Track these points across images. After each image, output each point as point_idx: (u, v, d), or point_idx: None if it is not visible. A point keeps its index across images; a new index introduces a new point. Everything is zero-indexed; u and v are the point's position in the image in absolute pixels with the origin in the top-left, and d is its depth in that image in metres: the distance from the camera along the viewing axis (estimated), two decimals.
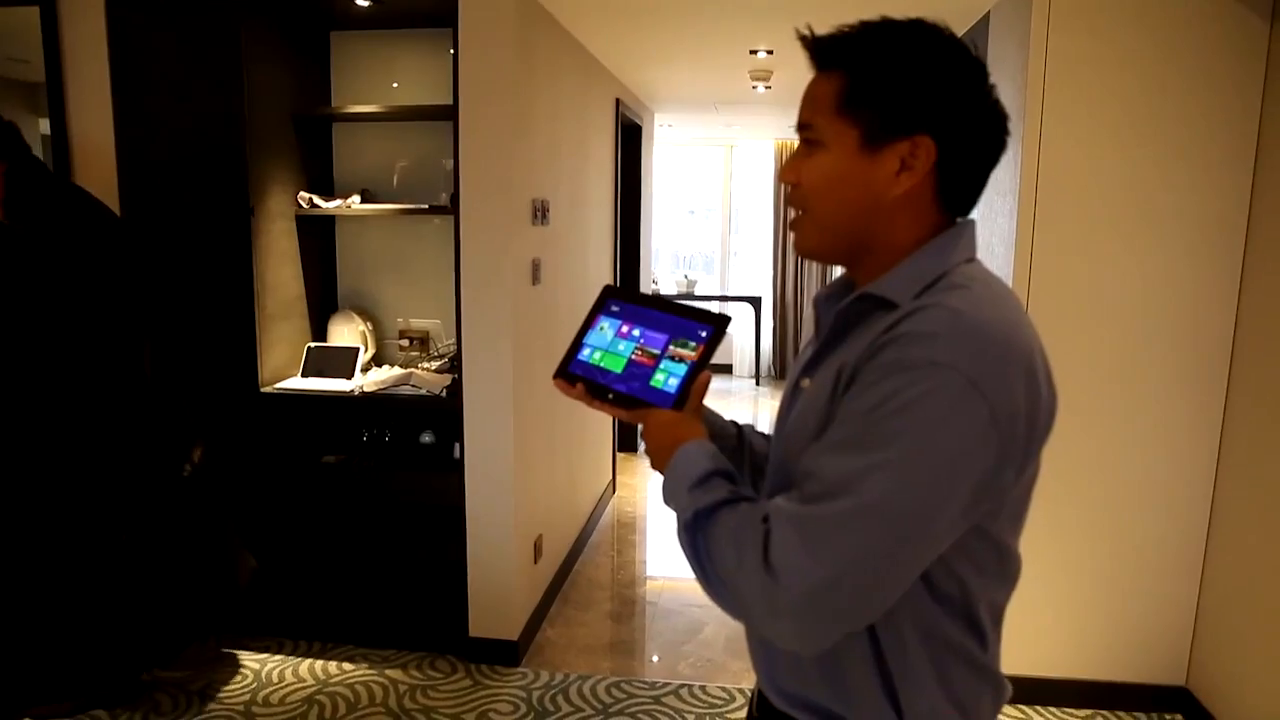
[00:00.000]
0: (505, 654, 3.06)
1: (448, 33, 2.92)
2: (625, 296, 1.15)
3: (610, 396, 1.07)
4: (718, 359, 6.92)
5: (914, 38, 0.94)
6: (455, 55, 2.79)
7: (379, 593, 3.12)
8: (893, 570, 0.85)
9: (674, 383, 1.03)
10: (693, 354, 1.04)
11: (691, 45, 3.93)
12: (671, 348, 1.06)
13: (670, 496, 1.01)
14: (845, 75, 0.94)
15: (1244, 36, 2.50)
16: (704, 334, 1.04)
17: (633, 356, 1.08)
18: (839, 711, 0.98)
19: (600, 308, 1.16)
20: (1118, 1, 2.53)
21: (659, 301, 1.12)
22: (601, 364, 1.10)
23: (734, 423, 1.25)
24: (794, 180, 0.99)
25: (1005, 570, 0.97)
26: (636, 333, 1.10)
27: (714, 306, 8.44)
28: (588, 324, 1.15)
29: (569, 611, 3.54)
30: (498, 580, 3.05)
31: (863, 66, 0.94)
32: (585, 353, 1.12)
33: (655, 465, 1.04)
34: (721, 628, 3.39)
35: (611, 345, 1.11)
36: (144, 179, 2.97)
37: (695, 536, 0.94)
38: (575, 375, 1.11)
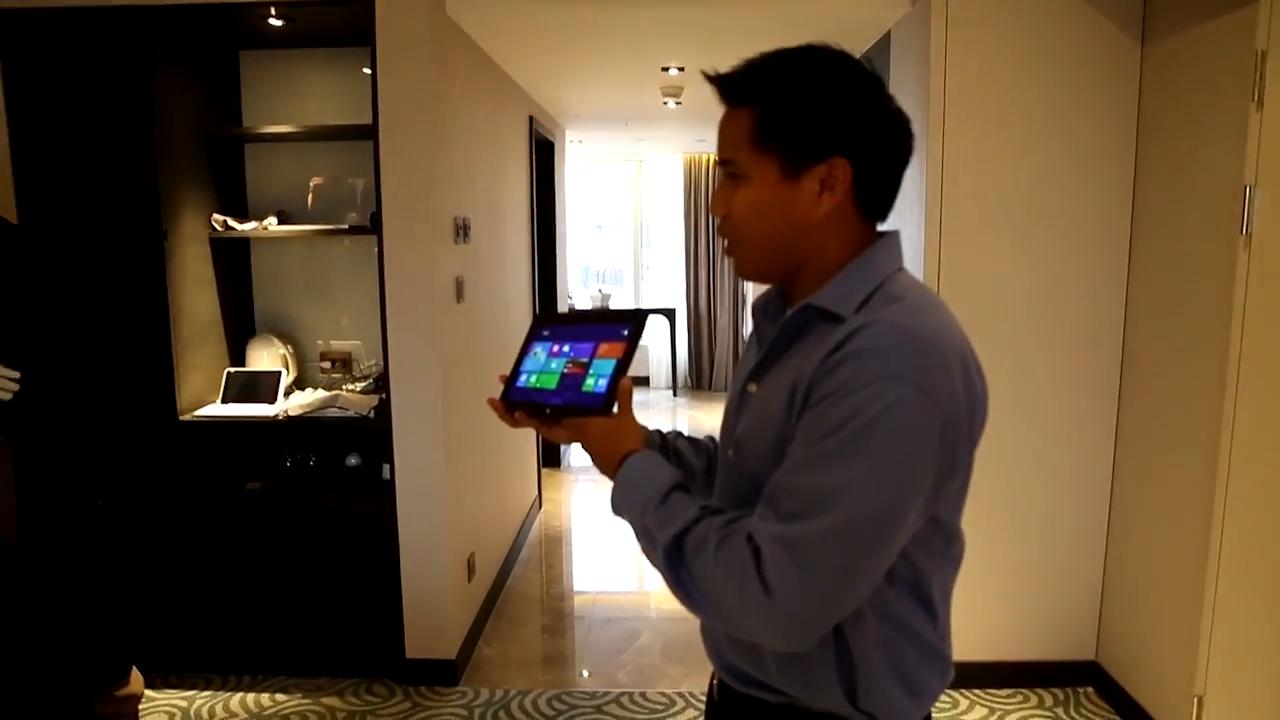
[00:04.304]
0: (444, 674, 3.03)
1: (359, 51, 2.91)
2: (554, 320, 1.20)
3: (547, 412, 1.11)
4: (633, 372, 7.04)
5: (814, 65, 1.00)
6: (374, 74, 2.78)
7: (311, 620, 3.05)
8: (872, 569, 0.92)
9: (603, 383, 1.06)
10: (618, 351, 1.08)
11: (604, 62, 4.01)
12: (599, 351, 1.10)
13: (623, 509, 1.05)
14: (756, 109, 1.00)
15: (1119, 53, 2.71)
16: (625, 332, 1.08)
17: (565, 370, 1.11)
18: (791, 691, 1.04)
19: (533, 335, 1.20)
20: (1007, 21, 2.71)
21: (584, 315, 1.17)
22: (538, 385, 1.14)
23: (658, 431, 1.28)
24: (724, 213, 1.05)
25: (951, 551, 1.05)
26: (567, 349, 1.13)
27: None
28: (522, 353, 1.19)
29: (504, 628, 3.54)
30: (433, 600, 3.02)
31: (772, 100, 1.00)
32: (522, 379, 1.16)
33: (604, 473, 1.08)
34: (657, 635, 3.43)
35: (545, 366, 1.14)
36: (47, 204, 2.85)
37: (676, 563, 0.97)
38: (514, 403, 1.15)
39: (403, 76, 2.79)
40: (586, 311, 1.19)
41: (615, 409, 1.07)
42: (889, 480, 0.90)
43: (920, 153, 2.80)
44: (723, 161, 1.04)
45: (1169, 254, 2.61)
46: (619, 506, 1.06)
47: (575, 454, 6.04)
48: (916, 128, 2.95)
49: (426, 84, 2.80)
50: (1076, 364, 2.84)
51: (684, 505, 1.00)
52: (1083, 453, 2.88)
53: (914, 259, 2.87)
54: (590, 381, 1.08)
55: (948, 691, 2.90)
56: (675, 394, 8.28)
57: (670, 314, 8.21)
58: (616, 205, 8.90)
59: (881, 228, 1.08)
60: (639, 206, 8.73)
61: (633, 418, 1.10)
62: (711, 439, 1.30)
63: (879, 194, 1.03)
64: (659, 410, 7.76)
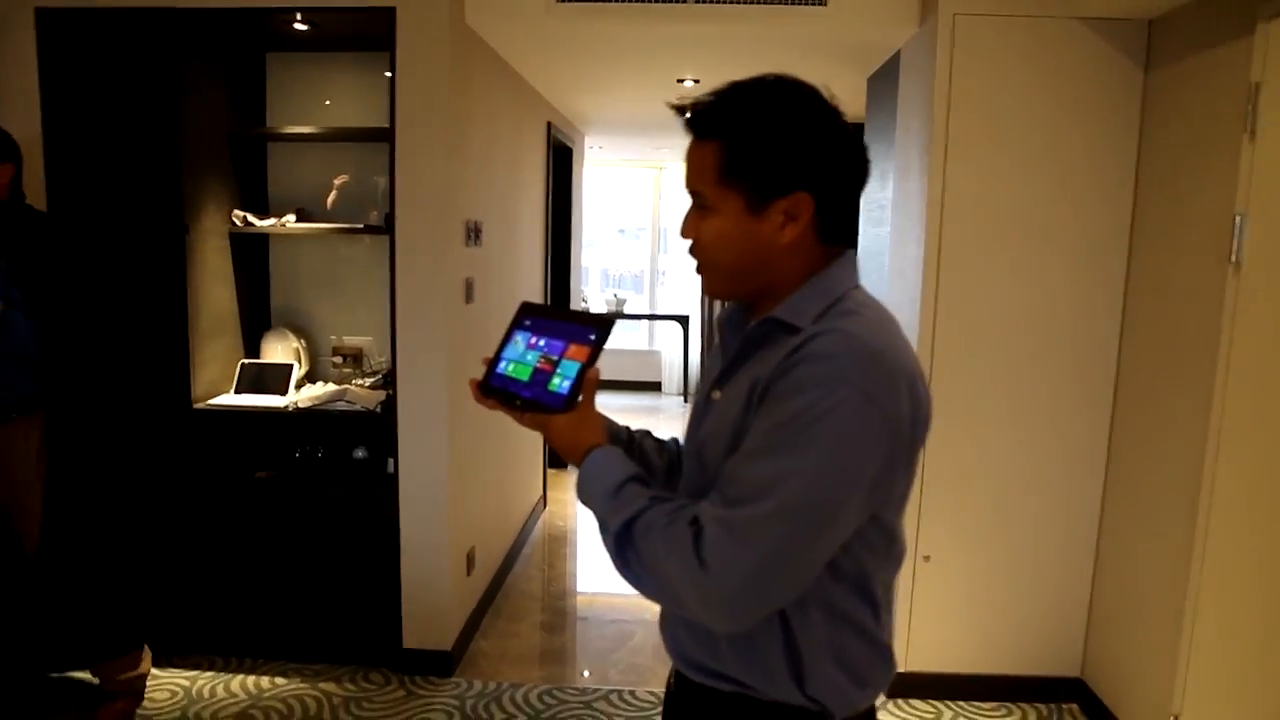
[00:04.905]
0: (439, 664, 3.11)
1: (382, 56, 3.00)
2: (537, 311, 1.25)
3: (517, 403, 1.17)
4: (647, 377, 7.10)
5: (776, 100, 1.06)
6: (393, 79, 2.87)
7: (312, 607, 3.14)
8: (809, 556, 0.99)
9: (566, 384, 1.14)
10: (583, 355, 1.14)
11: (621, 73, 4.08)
12: (568, 352, 1.16)
13: (585, 498, 1.13)
14: (721, 145, 1.06)
15: (1122, 79, 2.75)
16: (592, 336, 1.15)
17: (538, 365, 1.18)
18: (745, 680, 1.11)
19: (516, 323, 1.26)
20: (1012, 46, 2.75)
21: (563, 313, 1.23)
22: (514, 374, 1.20)
23: (626, 428, 1.35)
24: (693, 238, 1.12)
25: (892, 551, 1.12)
26: (542, 343, 1.20)
27: (643, 325, 8.64)
28: (506, 338, 1.25)
29: (501, 623, 3.61)
30: (431, 592, 3.10)
31: (736, 137, 1.05)
32: (502, 365, 1.22)
33: (570, 462, 1.16)
34: (650, 635, 3.49)
35: (522, 356, 1.21)
36: (75, 197, 2.96)
37: (624, 545, 1.05)
38: (493, 388, 1.21)
39: (420, 82, 2.88)
40: (567, 310, 1.26)
41: (579, 400, 1.14)
42: (827, 474, 0.96)
43: (923, 171, 2.86)
44: (690, 192, 1.11)
45: (1164, 277, 2.64)
46: (583, 496, 1.13)
47: None
48: (920, 146, 3.02)
49: (444, 90, 2.88)
50: (1071, 383, 2.88)
51: (636, 494, 1.07)
52: (1075, 470, 2.91)
53: (913, 274, 2.92)
54: (556, 381, 1.15)
55: (932, 703, 2.96)
56: (686, 399, 8.33)
57: (684, 321, 8.28)
58: (637, 210, 8.99)
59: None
60: (658, 213, 8.80)
61: (594, 411, 1.16)
62: (675, 440, 1.37)
63: (838, 220, 1.11)
64: (669, 415, 7.82)
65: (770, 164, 1.05)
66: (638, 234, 9.12)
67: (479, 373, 1.24)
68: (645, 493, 1.08)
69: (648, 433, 1.36)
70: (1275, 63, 2.15)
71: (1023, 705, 2.97)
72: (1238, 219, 2.24)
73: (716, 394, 1.15)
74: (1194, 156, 2.51)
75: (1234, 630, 2.23)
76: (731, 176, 1.06)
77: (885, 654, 1.14)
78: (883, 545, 1.09)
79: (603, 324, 1.16)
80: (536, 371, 1.18)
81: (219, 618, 3.16)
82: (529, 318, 1.25)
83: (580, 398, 1.13)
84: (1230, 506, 2.25)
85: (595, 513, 1.11)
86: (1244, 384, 2.23)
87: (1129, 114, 2.77)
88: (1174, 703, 2.40)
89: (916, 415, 1.04)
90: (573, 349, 1.16)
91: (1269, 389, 2.13)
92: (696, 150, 1.09)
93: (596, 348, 1.14)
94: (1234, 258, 2.26)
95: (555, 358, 1.17)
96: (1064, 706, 2.97)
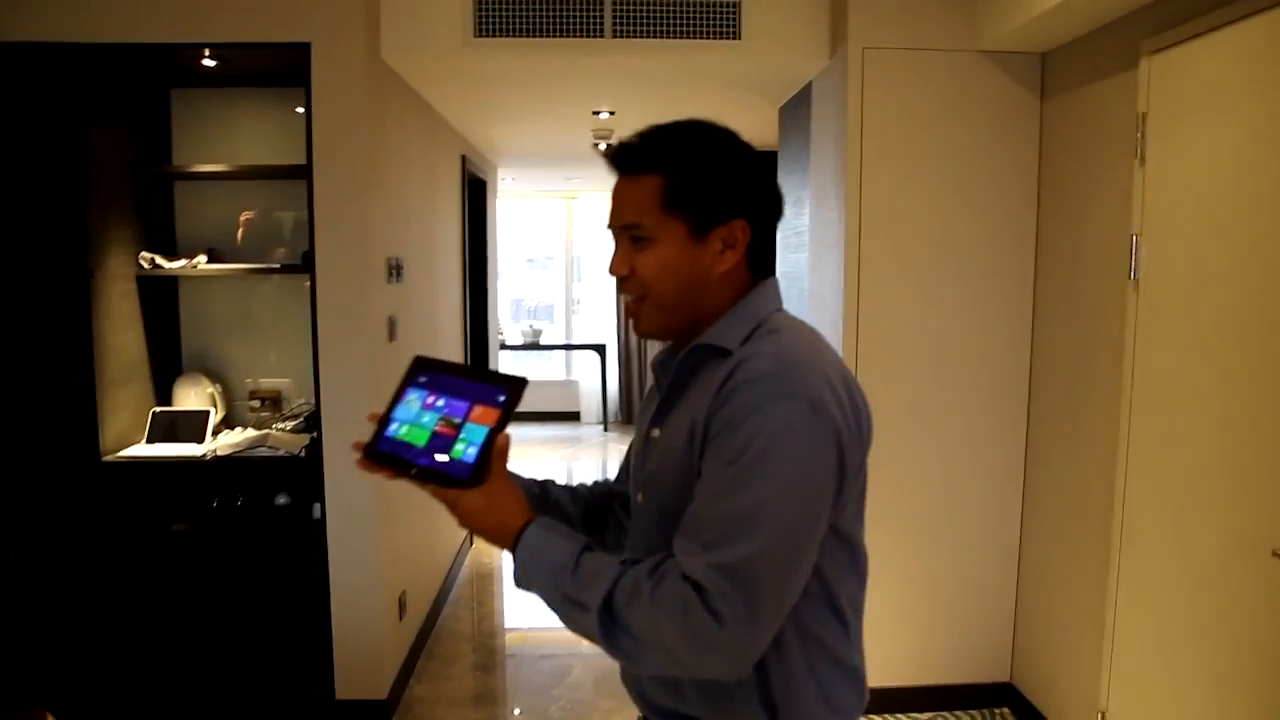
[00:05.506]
0: (375, 715, 3.01)
1: (293, 91, 2.94)
2: (433, 366, 1.14)
3: (414, 472, 1.05)
4: (565, 407, 7.05)
5: (711, 136, 1.13)
6: (309, 115, 2.81)
7: (238, 663, 3.00)
8: (801, 579, 1.01)
9: (472, 451, 1.02)
10: (492, 419, 1.03)
11: (537, 106, 4.09)
12: (473, 414, 1.05)
13: (532, 584, 1.04)
14: (663, 177, 1.09)
15: (1020, 108, 2.91)
16: (501, 398, 1.04)
17: (437, 428, 1.06)
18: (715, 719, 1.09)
19: (409, 379, 1.13)
20: (919, 77, 2.88)
21: (464, 369, 1.12)
22: (407, 438, 1.07)
23: (534, 481, 1.28)
24: (627, 273, 1.12)
25: (856, 564, 1.13)
26: (441, 403, 1.08)
27: (559, 355, 8.63)
28: (396, 397, 1.12)
29: (435, 666, 3.52)
30: (364, 640, 3.01)
31: (678, 167, 1.09)
32: (393, 428, 1.09)
33: (497, 546, 1.07)
34: (589, 670, 3.46)
35: (417, 418, 1.09)
36: None
37: (608, 622, 0.98)
38: (383, 454, 1.08)
39: (337, 119, 2.83)
40: (467, 366, 1.17)
41: (490, 474, 1.04)
42: (799, 493, 0.98)
43: (838, 197, 2.95)
44: (626, 226, 1.12)
45: (1069, 295, 2.79)
46: (527, 582, 1.05)
47: None
48: (836, 173, 3.12)
49: (360, 126, 2.84)
50: (987, 398, 3.00)
51: (601, 564, 1.02)
52: (995, 481, 3.03)
53: (834, 299, 3.01)
54: (460, 448, 1.03)
55: (870, 717, 3.00)
56: (606, 429, 8.33)
57: (601, 349, 8.29)
58: (548, 240, 8.99)
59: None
60: (570, 242, 8.82)
61: (509, 485, 1.07)
62: (584, 485, 1.34)
63: (764, 252, 1.16)
64: (589, 445, 7.80)
65: (711, 192, 1.09)
66: (547, 263, 9.12)
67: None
68: (607, 559, 1.03)
69: (552, 481, 1.31)
70: (1159, 94, 2.31)
71: (957, 713, 3.06)
72: (1134, 239, 2.39)
73: (655, 432, 1.15)
74: (1089, 180, 2.67)
75: (1153, 627, 2.34)
76: (674, 205, 1.09)
77: (858, 680, 1.14)
78: (845, 558, 1.10)
79: (514, 385, 1.05)
80: (435, 436, 1.06)
81: (136, 681, 2.98)
82: (424, 373, 1.13)
83: (491, 468, 1.03)
84: (1142, 509, 2.38)
85: (550, 595, 1.03)
86: (1149, 394, 2.36)
87: (1029, 140, 2.93)
88: (1100, 699, 2.51)
89: (859, 414, 1.07)
90: (479, 411, 1.05)
91: (1172, 399, 2.27)
92: (632, 185, 1.11)
93: (508, 410, 1.03)
94: (1133, 275, 2.40)
95: (458, 420, 1.05)
96: (996, 711, 3.06)
